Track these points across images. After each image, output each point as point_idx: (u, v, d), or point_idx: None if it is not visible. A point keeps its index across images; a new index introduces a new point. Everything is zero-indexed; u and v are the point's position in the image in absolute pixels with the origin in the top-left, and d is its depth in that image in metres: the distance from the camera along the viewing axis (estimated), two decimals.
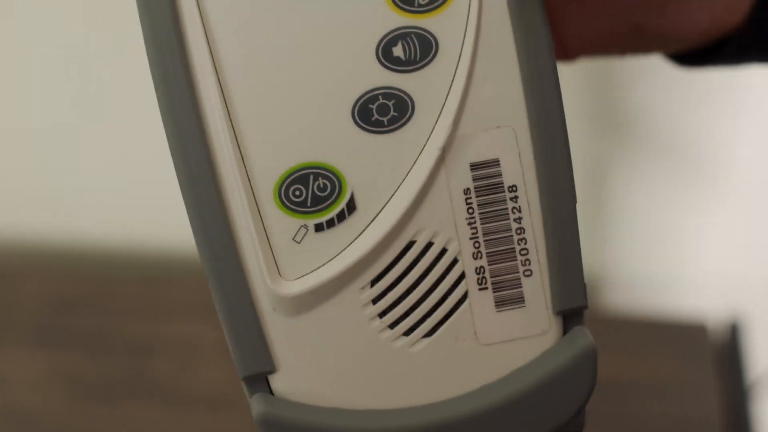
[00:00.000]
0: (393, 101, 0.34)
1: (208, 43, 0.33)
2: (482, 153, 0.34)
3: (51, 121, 0.91)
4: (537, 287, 0.34)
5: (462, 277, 0.34)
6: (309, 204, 0.34)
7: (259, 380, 0.35)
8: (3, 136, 0.93)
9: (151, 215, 0.94)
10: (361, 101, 0.34)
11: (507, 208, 0.34)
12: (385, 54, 0.33)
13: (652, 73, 0.86)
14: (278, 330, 0.34)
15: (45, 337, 0.86)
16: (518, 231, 0.34)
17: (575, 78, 0.81)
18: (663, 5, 0.42)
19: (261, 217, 0.34)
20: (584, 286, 0.35)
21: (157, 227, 0.95)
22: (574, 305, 0.35)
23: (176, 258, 0.96)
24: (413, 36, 0.33)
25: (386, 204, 0.34)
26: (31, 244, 0.97)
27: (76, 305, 0.88)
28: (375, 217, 0.34)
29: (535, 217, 0.34)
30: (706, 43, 0.43)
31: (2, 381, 0.84)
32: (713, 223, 0.92)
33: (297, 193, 0.34)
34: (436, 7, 0.33)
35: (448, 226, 0.34)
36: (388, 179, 0.34)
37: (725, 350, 0.86)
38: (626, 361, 0.83)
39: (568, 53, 0.44)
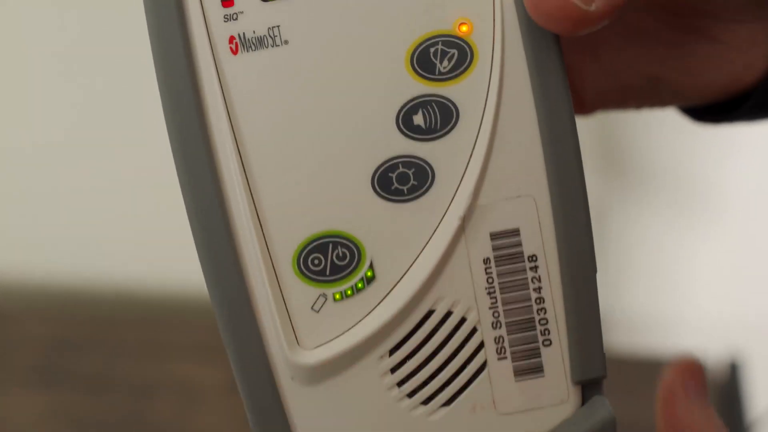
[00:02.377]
0: (413, 170, 0.33)
1: (227, 109, 0.33)
2: (502, 222, 0.34)
3: (55, 160, 0.91)
4: (556, 357, 0.34)
5: (481, 346, 0.34)
6: (328, 273, 0.34)
7: None
8: (4, 173, 0.92)
9: (154, 256, 0.93)
10: (381, 170, 0.33)
11: (527, 278, 0.34)
12: (405, 122, 0.33)
13: (652, 113, 0.86)
14: (297, 399, 0.34)
15: (46, 377, 0.86)
16: (538, 301, 0.34)
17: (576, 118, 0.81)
18: (682, 62, 0.42)
19: (279, 286, 0.34)
20: (603, 355, 0.34)
21: (158, 268, 0.94)
22: (593, 375, 0.34)
23: (178, 299, 0.96)
24: (434, 104, 0.33)
25: (405, 273, 0.34)
26: (32, 285, 0.97)
27: (78, 346, 0.88)
28: (394, 286, 0.34)
29: (554, 287, 0.34)
30: (724, 99, 0.43)
31: (3, 421, 0.84)
32: (711, 263, 0.92)
33: (316, 261, 0.34)
34: (457, 75, 0.33)
35: (468, 295, 0.34)
36: (408, 248, 0.34)
37: (724, 389, 0.85)
38: (625, 401, 0.83)
39: (585, 107, 0.44)
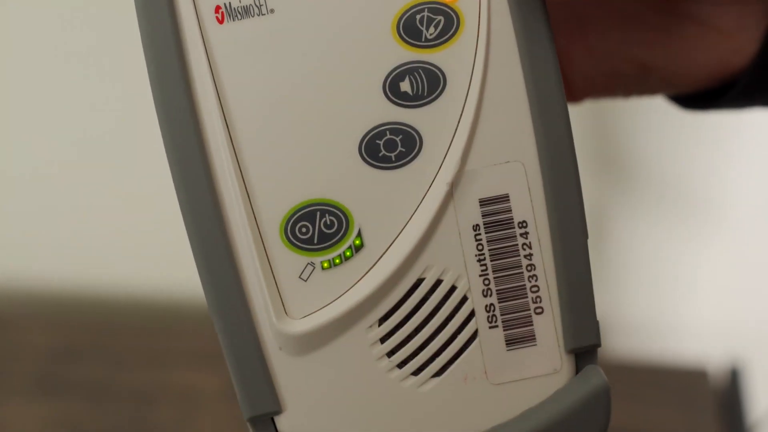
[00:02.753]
0: (400, 137, 0.33)
1: (213, 78, 0.33)
2: (491, 188, 0.33)
3: (51, 166, 0.91)
4: (548, 325, 0.34)
5: (472, 315, 0.34)
6: (316, 241, 0.33)
7: (265, 421, 0.34)
8: (4, 181, 0.93)
9: (153, 263, 0.93)
10: (368, 137, 0.33)
11: (517, 245, 0.34)
12: (392, 89, 0.33)
13: (650, 114, 0.86)
14: (285, 370, 0.34)
15: (47, 385, 0.86)
16: (529, 267, 0.34)
17: (572, 120, 0.81)
18: (669, 46, 0.42)
19: (267, 255, 0.33)
20: (597, 323, 0.34)
21: (158, 275, 0.94)
22: (586, 343, 0.34)
23: (178, 306, 0.95)
24: (421, 71, 0.33)
25: (394, 241, 0.33)
26: (32, 293, 0.97)
27: (78, 354, 0.88)
28: (383, 254, 0.33)
29: (545, 254, 0.34)
30: (712, 86, 0.43)
31: (4, 430, 0.83)
32: (712, 268, 0.92)
33: (303, 230, 0.33)
34: (443, 42, 0.33)
35: (458, 263, 0.34)
36: (396, 216, 0.33)
37: (725, 395, 0.85)
38: (626, 407, 0.83)
39: (574, 95, 0.44)
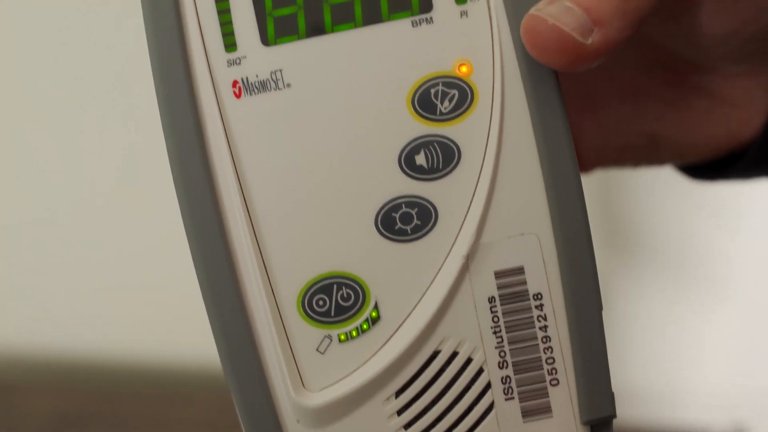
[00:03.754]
0: (416, 210, 0.34)
1: (231, 152, 0.33)
2: (507, 260, 0.34)
3: (57, 232, 0.91)
4: (564, 397, 0.34)
5: (488, 387, 0.34)
6: (333, 314, 0.34)
7: None
8: (8, 245, 0.93)
9: (159, 330, 0.93)
10: (384, 210, 0.34)
11: (532, 317, 0.34)
12: (408, 162, 0.34)
13: (656, 185, 0.86)
14: None
15: None
16: (544, 339, 0.34)
17: None
18: (679, 119, 0.42)
19: (284, 327, 0.34)
20: (612, 394, 0.34)
21: (164, 342, 0.94)
22: (602, 414, 0.34)
23: (182, 374, 0.95)
24: (435, 144, 0.34)
25: (410, 313, 0.34)
26: (37, 359, 0.97)
27: (84, 420, 0.87)
28: (399, 326, 0.34)
29: (560, 325, 0.34)
30: (720, 156, 0.43)
31: None
32: (717, 335, 0.92)
33: (320, 302, 0.34)
34: (458, 115, 0.34)
35: (473, 335, 0.34)
36: (412, 288, 0.34)
37: None
38: None
39: (584, 165, 0.44)
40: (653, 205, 0.87)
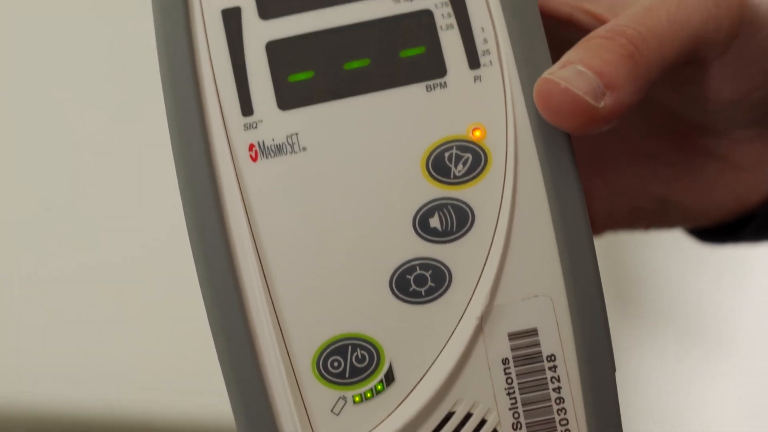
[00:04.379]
0: (430, 272, 0.34)
1: (248, 215, 0.34)
2: (520, 322, 0.34)
3: (56, 287, 0.91)
4: None
5: None
6: (347, 375, 0.34)
7: None
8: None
9: (173, 390, 0.93)
10: (399, 272, 0.34)
11: (546, 378, 0.34)
12: (422, 225, 0.34)
13: (663, 246, 0.87)
14: None
15: None
16: (557, 401, 0.34)
17: None
18: (689, 182, 0.43)
19: (299, 389, 0.34)
20: None
21: (177, 402, 0.94)
22: None
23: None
24: (450, 207, 0.34)
25: (425, 375, 0.34)
26: (34, 415, 0.96)
27: None
28: (414, 388, 0.34)
29: (574, 387, 0.34)
30: (730, 219, 0.44)
31: None
32: (722, 394, 0.92)
33: (335, 364, 0.34)
34: (471, 179, 0.34)
35: (487, 396, 0.34)
36: (427, 350, 0.34)
37: None
38: None
39: (595, 228, 0.44)
40: (661, 263, 0.87)
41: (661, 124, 0.43)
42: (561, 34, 0.39)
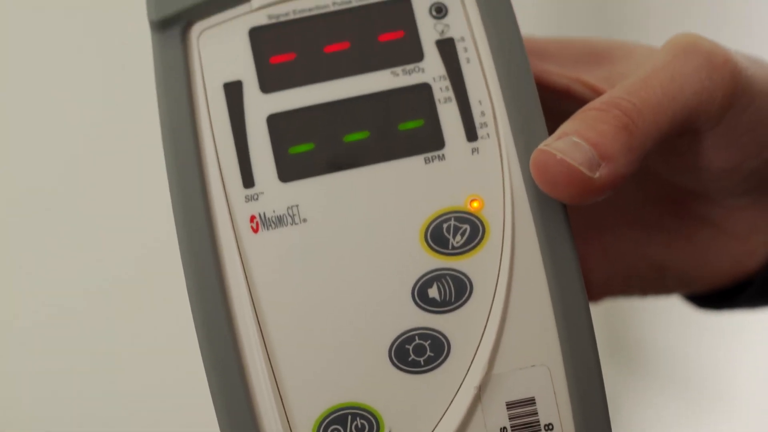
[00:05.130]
0: (429, 341, 0.34)
1: (249, 286, 0.34)
2: (518, 391, 0.34)
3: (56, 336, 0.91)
4: None
5: None
6: None
7: None
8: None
9: None
10: (398, 342, 0.34)
11: None
12: (421, 295, 0.34)
13: (661, 304, 0.87)
14: None
15: None
16: None
17: None
18: (684, 249, 0.43)
19: None
20: None
21: None
22: None
23: None
24: (448, 278, 0.34)
25: None
26: None
27: None
28: None
29: None
30: (726, 286, 0.44)
31: None
32: None
33: None
34: (469, 250, 0.35)
35: None
36: (426, 419, 0.34)
37: None
38: None
39: (592, 295, 0.45)
40: (657, 322, 0.87)
41: (656, 191, 0.43)
42: (557, 104, 0.40)
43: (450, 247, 0.35)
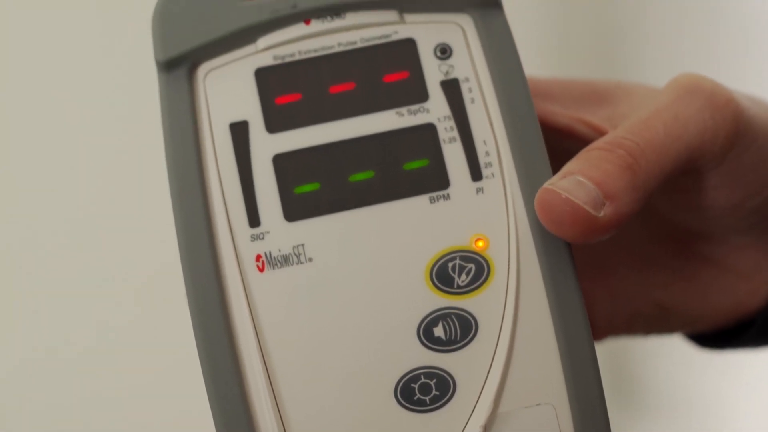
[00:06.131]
0: (435, 380, 0.34)
1: (254, 325, 0.34)
2: (524, 430, 0.34)
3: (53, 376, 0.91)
4: None
5: None
6: None
7: None
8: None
9: None
10: (403, 381, 0.34)
11: None
12: (426, 334, 0.34)
13: (664, 343, 0.87)
14: None
15: None
16: None
17: None
18: (687, 289, 0.43)
19: None
20: None
21: None
22: None
23: None
24: (453, 317, 0.35)
25: None
26: None
27: None
28: None
29: None
30: (729, 325, 0.44)
31: None
32: None
33: None
34: (475, 289, 0.35)
35: None
36: None
37: None
38: None
39: (595, 334, 0.45)
40: (661, 359, 0.87)
41: (660, 230, 0.43)
42: (561, 144, 0.40)
43: (455, 286, 0.35)
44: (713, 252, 0.43)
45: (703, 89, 0.37)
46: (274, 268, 0.35)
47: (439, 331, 0.34)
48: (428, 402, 0.34)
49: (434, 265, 0.35)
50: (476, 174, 0.36)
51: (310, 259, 0.35)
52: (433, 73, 0.37)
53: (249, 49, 0.37)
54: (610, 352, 0.85)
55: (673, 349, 0.85)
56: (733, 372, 0.87)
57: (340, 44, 0.37)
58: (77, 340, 0.89)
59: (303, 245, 0.35)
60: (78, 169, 0.88)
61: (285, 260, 0.35)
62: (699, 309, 0.44)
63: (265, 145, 0.36)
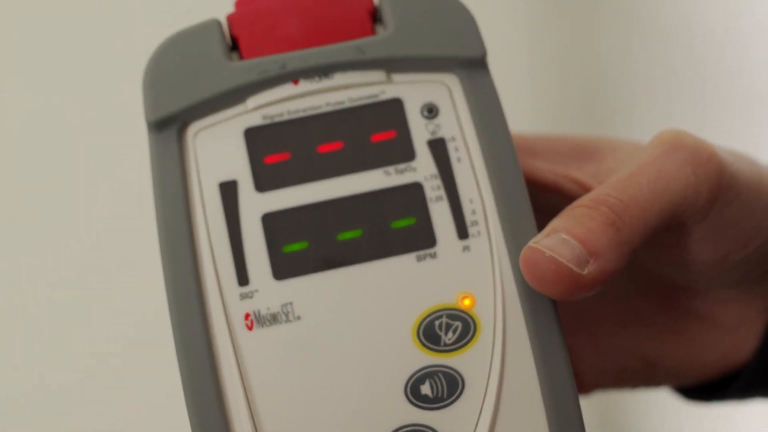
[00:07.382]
0: None
1: (243, 382, 0.35)
2: None
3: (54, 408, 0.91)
4: None
5: None
6: None
7: None
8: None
9: None
10: None
11: None
12: (413, 392, 0.35)
13: (649, 394, 0.87)
14: None
15: None
16: None
17: None
18: (674, 343, 0.43)
19: None
20: None
21: None
22: None
23: None
24: (440, 374, 0.35)
25: None
26: None
27: None
28: None
29: None
30: (715, 378, 0.44)
31: None
32: None
33: None
34: (461, 347, 0.35)
35: None
36: None
37: None
38: None
39: (582, 387, 0.45)
40: (648, 410, 0.87)
41: (646, 284, 0.44)
42: (547, 200, 0.41)
43: (442, 344, 0.35)
44: (698, 306, 0.43)
45: (686, 145, 0.37)
46: (262, 327, 0.35)
47: (426, 389, 0.35)
48: None
49: (421, 322, 0.35)
50: (462, 232, 0.36)
51: (299, 318, 0.35)
52: (420, 132, 0.37)
53: (238, 108, 0.37)
54: (597, 403, 0.85)
55: (660, 400, 0.86)
56: (728, 427, 0.87)
57: (328, 104, 0.37)
58: (77, 341, 0.89)
59: (291, 303, 0.35)
60: (78, 171, 0.88)
61: (274, 318, 0.35)
62: (686, 363, 0.44)
63: (255, 205, 0.36)
